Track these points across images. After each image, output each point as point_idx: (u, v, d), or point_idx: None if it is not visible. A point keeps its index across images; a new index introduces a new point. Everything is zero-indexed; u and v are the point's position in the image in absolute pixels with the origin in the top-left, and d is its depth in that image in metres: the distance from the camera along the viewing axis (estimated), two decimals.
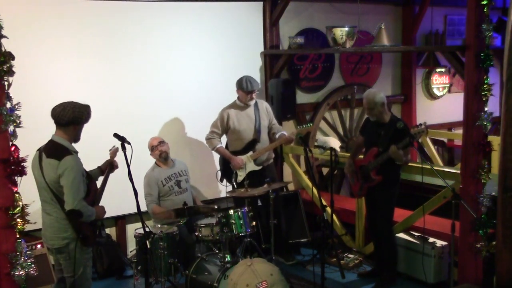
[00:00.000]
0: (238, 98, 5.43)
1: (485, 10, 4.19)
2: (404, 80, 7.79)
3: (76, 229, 3.59)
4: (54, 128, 3.64)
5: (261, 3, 6.38)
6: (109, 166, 4.11)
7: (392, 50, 6.80)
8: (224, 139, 5.59)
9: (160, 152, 5.21)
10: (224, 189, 5.63)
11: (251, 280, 3.45)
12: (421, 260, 4.78)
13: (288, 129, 6.32)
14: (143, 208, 4.77)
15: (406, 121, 6.83)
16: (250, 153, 5.41)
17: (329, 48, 5.98)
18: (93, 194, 3.76)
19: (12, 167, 3.29)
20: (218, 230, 4.48)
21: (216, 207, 4.94)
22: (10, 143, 3.31)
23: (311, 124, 5.65)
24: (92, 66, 5.39)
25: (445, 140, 8.00)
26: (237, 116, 5.40)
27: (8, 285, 3.35)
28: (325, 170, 6.96)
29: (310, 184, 5.86)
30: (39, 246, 4.77)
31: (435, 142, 7.83)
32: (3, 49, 3.23)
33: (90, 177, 3.81)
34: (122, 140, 3.72)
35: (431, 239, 4.93)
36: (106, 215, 3.93)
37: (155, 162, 5.29)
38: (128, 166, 3.61)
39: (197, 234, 4.61)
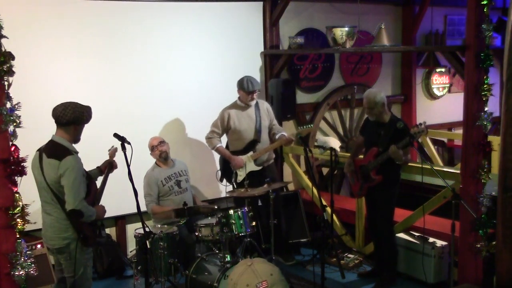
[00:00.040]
0: (239, 98, 5.43)
1: (485, 10, 4.19)
2: (404, 80, 7.79)
3: (77, 229, 3.59)
4: (54, 128, 3.64)
5: (261, 3, 6.38)
6: (109, 166, 4.11)
7: (392, 50, 6.80)
8: (224, 139, 5.59)
9: (160, 152, 5.21)
10: (224, 189, 5.63)
11: (251, 280, 3.45)
12: (421, 260, 4.78)
13: (288, 129, 6.33)
14: (143, 208, 4.77)
15: (406, 121, 6.83)
16: (251, 153, 5.42)
17: (329, 48, 5.98)
18: (93, 194, 3.76)
19: (12, 167, 3.29)
20: (218, 230, 4.48)
21: (216, 207, 4.94)
22: (10, 143, 3.31)
23: (311, 125, 5.64)
24: (92, 66, 5.39)
25: (445, 140, 8.00)
26: (237, 116, 5.40)
27: (8, 285, 3.34)
28: (325, 170, 6.96)
29: (310, 184, 5.86)
30: (39, 246, 4.76)
31: (435, 142, 7.83)
32: (3, 49, 3.23)
33: (90, 177, 3.81)
34: (122, 140, 3.72)
35: (431, 239, 4.93)
36: (106, 215, 3.93)
37: (155, 162, 5.29)
38: (128, 166, 3.61)
39: (197, 234, 4.61)
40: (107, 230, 5.66)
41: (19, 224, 3.32)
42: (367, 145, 4.95)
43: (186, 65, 5.92)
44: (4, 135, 3.27)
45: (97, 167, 4.13)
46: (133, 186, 3.57)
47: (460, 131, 5.63)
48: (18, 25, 4.83)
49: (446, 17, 7.99)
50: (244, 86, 5.30)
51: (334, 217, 5.68)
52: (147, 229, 3.68)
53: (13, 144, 3.32)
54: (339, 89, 7.06)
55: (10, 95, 3.27)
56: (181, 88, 5.90)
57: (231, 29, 6.17)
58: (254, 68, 6.34)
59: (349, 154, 5.41)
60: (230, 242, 4.73)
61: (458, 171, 4.67)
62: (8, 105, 3.25)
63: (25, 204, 3.38)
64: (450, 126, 8.21)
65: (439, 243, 4.86)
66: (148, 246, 3.60)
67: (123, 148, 3.67)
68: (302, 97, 6.84)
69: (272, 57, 6.46)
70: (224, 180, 5.59)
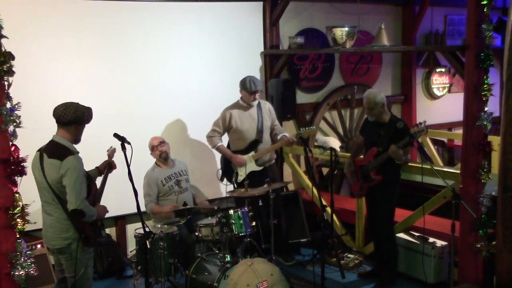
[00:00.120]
0: (241, 98, 5.43)
1: (485, 10, 4.19)
2: (404, 80, 7.79)
3: (78, 229, 3.59)
4: (55, 128, 3.64)
5: (261, 3, 6.38)
6: (108, 167, 4.11)
7: (392, 50, 6.80)
8: (226, 139, 5.59)
9: (160, 152, 5.21)
10: (224, 189, 5.63)
11: (252, 280, 3.45)
12: (421, 260, 4.78)
13: (288, 129, 6.33)
14: (143, 208, 4.78)
15: (406, 121, 6.84)
16: (252, 153, 5.42)
17: (329, 48, 5.99)
18: (93, 195, 3.76)
19: (12, 167, 3.29)
20: (218, 230, 4.48)
21: (216, 207, 4.94)
22: (10, 143, 3.31)
23: (313, 127, 5.63)
24: (92, 66, 5.39)
25: (445, 140, 8.00)
26: (239, 116, 5.40)
27: (8, 285, 3.35)
28: (325, 170, 6.96)
29: (310, 184, 5.86)
30: (39, 246, 4.77)
31: (435, 142, 7.83)
32: (3, 49, 3.24)
33: (90, 177, 3.82)
34: (122, 140, 3.72)
35: (431, 239, 4.93)
36: (106, 215, 3.93)
37: (155, 162, 5.29)
38: (128, 166, 3.61)
39: (197, 234, 4.61)
40: (107, 230, 5.66)
41: (19, 224, 3.33)
42: (367, 145, 4.95)
43: (186, 65, 5.92)
44: (4, 135, 3.28)
45: (96, 167, 4.13)
46: (133, 186, 3.57)
47: (460, 131, 5.63)
48: (18, 25, 4.83)
49: (446, 17, 7.99)
50: (247, 86, 5.30)
51: (334, 217, 5.68)
52: (147, 229, 3.68)
53: (13, 144, 3.33)
54: (339, 89, 7.06)
55: (10, 95, 3.27)
56: (181, 88, 5.90)
57: (231, 29, 6.17)
58: (254, 68, 6.34)
59: (349, 154, 5.41)
60: (230, 242, 4.73)
61: (458, 171, 4.67)
62: (8, 105, 3.26)
63: (25, 204, 3.38)
64: (450, 126, 8.21)
65: (439, 243, 4.86)
66: (148, 246, 3.59)
67: (123, 148, 3.67)
68: (302, 97, 6.84)
69: (272, 57, 6.46)
70: (225, 180, 5.59)
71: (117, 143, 3.80)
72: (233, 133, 5.46)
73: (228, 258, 4.38)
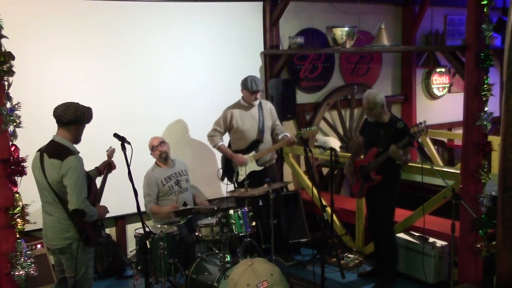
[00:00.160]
0: (243, 98, 5.43)
1: (485, 10, 4.19)
2: (404, 80, 7.79)
3: (79, 229, 3.59)
4: (55, 128, 3.64)
5: (261, 3, 6.38)
6: (107, 167, 4.11)
7: (392, 50, 6.81)
8: (227, 138, 5.59)
9: (160, 152, 5.21)
10: (225, 188, 5.63)
11: (252, 280, 3.45)
12: (421, 260, 4.78)
13: (288, 129, 6.33)
14: (143, 208, 4.78)
15: (406, 121, 6.84)
16: (253, 153, 5.42)
17: (329, 48, 5.99)
18: (93, 195, 3.76)
19: (12, 167, 3.29)
20: (218, 230, 4.48)
21: (216, 207, 4.94)
22: (10, 143, 3.32)
23: (314, 128, 5.63)
24: (92, 66, 5.39)
25: (445, 140, 8.01)
26: (240, 115, 5.40)
27: (8, 285, 3.35)
28: (325, 170, 6.96)
29: (310, 184, 5.86)
30: (39, 246, 4.77)
31: (435, 142, 7.83)
32: (3, 49, 3.24)
33: (90, 177, 3.82)
34: (122, 140, 3.72)
35: (431, 239, 4.93)
36: (106, 215, 3.93)
37: (155, 162, 5.29)
38: (128, 166, 3.61)
39: (197, 234, 4.61)
40: (107, 230, 5.66)
41: (19, 224, 3.33)
42: (367, 145, 4.95)
43: (186, 65, 5.92)
44: (4, 135, 3.28)
45: (96, 168, 4.13)
46: (133, 186, 3.57)
47: (460, 131, 5.64)
48: (18, 25, 4.83)
49: (446, 17, 7.99)
50: (248, 85, 5.30)
51: (334, 217, 5.67)
52: (147, 229, 3.67)
53: (13, 144, 3.33)
54: (339, 89, 7.06)
55: (10, 95, 3.27)
56: (181, 88, 5.90)
57: (231, 29, 6.18)
58: (254, 68, 6.34)
59: (349, 154, 5.41)
60: (230, 242, 4.73)
61: (458, 171, 4.67)
62: (8, 105, 3.26)
63: (25, 204, 3.38)
64: (450, 126, 8.21)
65: (439, 243, 4.86)
66: (148, 246, 3.59)
67: (123, 148, 3.66)
68: (302, 97, 6.84)
69: (272, 57, 6.46)
70: (225, 179, 5.59)
71: (117, 143, 3.79)
72: (234, 133, 5.46)
73: (228, 258, 4.38)
